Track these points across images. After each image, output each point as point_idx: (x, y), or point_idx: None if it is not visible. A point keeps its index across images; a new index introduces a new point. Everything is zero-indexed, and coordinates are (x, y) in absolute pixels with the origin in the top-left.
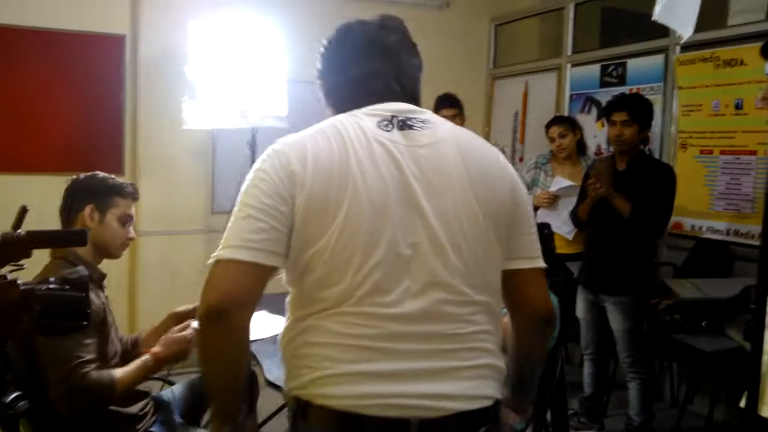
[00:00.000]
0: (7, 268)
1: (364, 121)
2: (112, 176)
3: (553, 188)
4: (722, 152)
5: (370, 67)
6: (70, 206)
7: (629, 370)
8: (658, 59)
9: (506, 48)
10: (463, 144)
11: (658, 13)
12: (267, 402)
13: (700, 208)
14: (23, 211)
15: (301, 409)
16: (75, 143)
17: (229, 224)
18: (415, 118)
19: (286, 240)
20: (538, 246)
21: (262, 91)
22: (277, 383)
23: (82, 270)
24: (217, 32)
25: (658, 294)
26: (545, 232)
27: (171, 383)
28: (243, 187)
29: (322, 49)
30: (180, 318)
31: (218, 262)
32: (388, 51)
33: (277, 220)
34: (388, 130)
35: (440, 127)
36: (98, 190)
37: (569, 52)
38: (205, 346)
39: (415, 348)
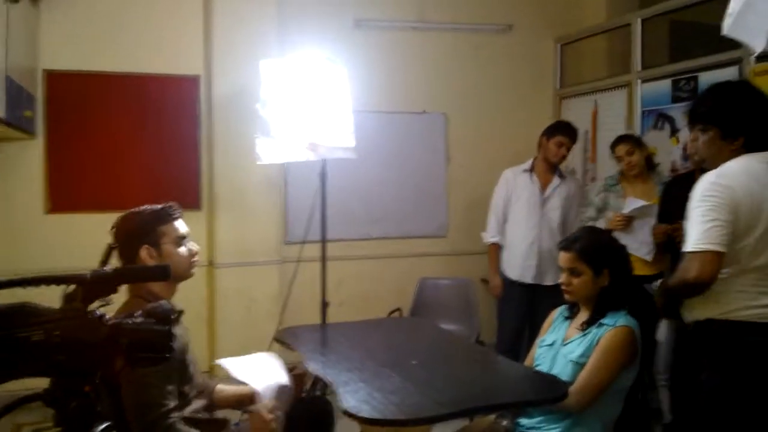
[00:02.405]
0: (96, 303)
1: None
2: (147, 208)
3: (626, 210)
4: None
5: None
6: (124, 255)
7: None
8: (732, 71)
9: (573, 67)
10: None
11: (728, 28)
12: (343, 430)
13: None
14: (110, 249)
15: None
16: (155, 180)
17: None
18: None
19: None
20: None
21: (330, 124)
22: (353, 412)
23: (165, 304)
24: (286, 70)
25: None
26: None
27: (249, 413)
28: None
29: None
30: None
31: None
32: None
33: None
34: None
35: None
36: (142, 230)
37: (638, 68)
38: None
39: None
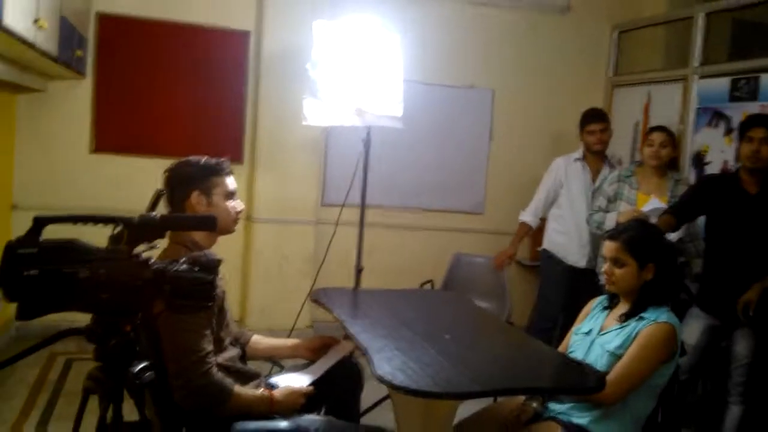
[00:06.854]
0: (141, 246)
1: None
2: (204, 158)
3: (646, 208)
4: None
5: None
6: (173, 197)
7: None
8: None
9: (628, 55)
10: None
11: None
12: (369, 394)
13: None
14: (158, 195)
15: None
16: (199, 130)
17: None
18: None
19: None
20: None
21: (379, 91)
22: (387, 379)
23: (209, 253)
24: (339, 32)
25: None
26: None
27: (280, 366)
28: None
29: None
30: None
31: None
32: None
33: None
34: None
35: None
36: (197, 176)
37: (697, 63)
38: None
39: None
